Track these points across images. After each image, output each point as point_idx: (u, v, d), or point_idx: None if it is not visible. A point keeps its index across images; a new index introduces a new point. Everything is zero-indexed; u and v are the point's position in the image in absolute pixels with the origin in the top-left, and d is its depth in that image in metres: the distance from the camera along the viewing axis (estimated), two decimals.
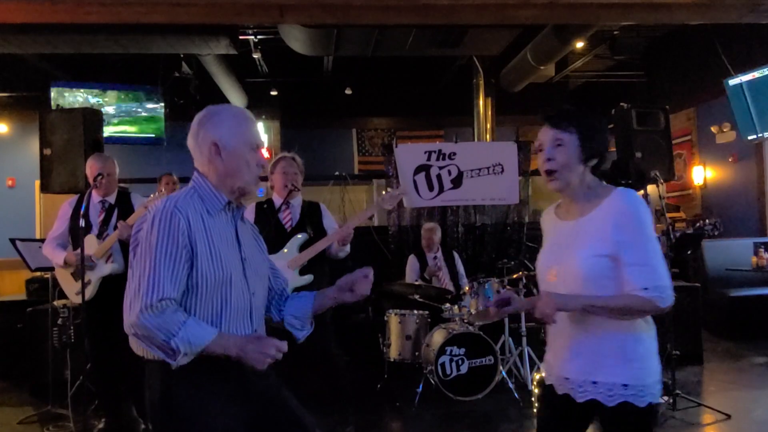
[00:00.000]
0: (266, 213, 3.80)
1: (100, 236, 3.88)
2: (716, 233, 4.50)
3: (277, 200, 3.80)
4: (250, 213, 3.91)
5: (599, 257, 1.77)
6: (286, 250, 3.69)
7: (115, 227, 3.89)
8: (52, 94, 7.96)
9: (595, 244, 1.78)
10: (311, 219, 3.82)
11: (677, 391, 4.17)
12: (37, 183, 4.66)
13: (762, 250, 6.47)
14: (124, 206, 4.00)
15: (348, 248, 3.70)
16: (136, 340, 1.74)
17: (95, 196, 3.96)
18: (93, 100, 8.20)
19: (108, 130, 7.18)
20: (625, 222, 1.76)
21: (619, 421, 1.78)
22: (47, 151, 4.46)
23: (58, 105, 7.72)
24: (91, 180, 3.86)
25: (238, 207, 1.86)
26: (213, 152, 1.79)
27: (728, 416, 4.01)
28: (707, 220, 4.56)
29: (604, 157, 1.89)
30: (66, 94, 8.07)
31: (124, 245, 3.86)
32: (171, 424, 1.70)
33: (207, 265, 1.70)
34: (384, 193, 3.62)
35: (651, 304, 1.72)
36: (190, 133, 1.84)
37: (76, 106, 7.70)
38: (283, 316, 1.99)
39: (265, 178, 4.00)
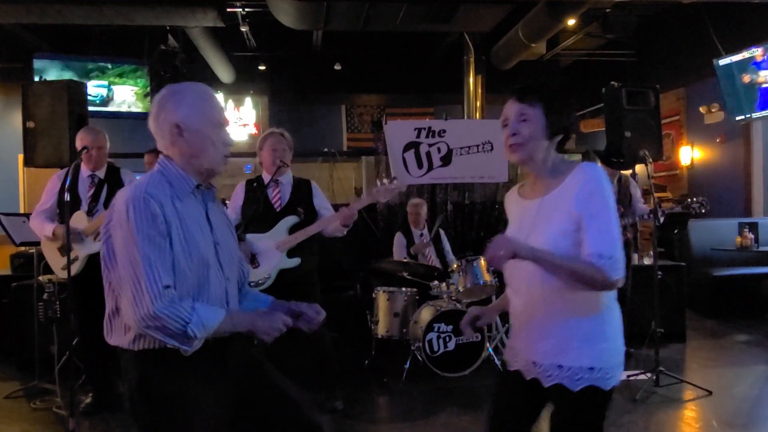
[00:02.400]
0: (255, 191, 3.77)
1: (90, 212, 3.84)
2: (703, 211, 4.53)
3: (267, 177, 3.76)
4: (239, 191, 3.88)
5: (565, 233, 1.73)
6: (274, 231, 3.67)
7: (106, 203, 3.85)
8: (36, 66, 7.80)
9: (560, 220, 1.75)
10: (302, 198, 3.79)
11: (660, 368, 4.24)
12: (21, 157, 4.59)
13: (746, 230, 6.54)
14: (113, 182, 3.95)
15: (345, 230, 3.68)
16: (117, 330, 1.71)
17: (84, 170, 3.91)
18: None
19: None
20: (587, 195, 1.72)
21: (582, 405, 1.75)
22: (30, 124, 4.37)
23: (41, 77, 7.57)
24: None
25: (207, 188, 1.81)
26: (175, 134, 1.74)
27: (710, 392, 4.09)
28: (694, 198, 4.59)
29: (569, 134, 1.85)
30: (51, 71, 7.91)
31: None
32: (149, 409, 1.68)
33: (182, 252, 1.65)
34: (379, 184, 3.60)
35: (601, 273, 1.67)
36: (151, 115, 1.78)
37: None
38: None
39: (253, 155, 3.97)
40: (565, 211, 1.74)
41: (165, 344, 1.63)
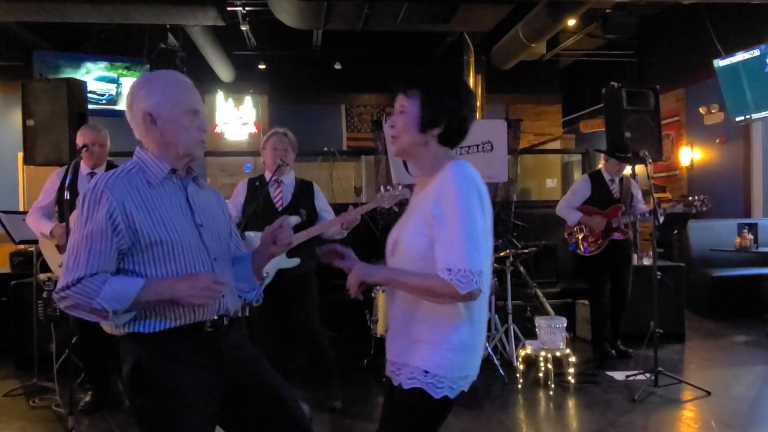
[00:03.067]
0: (257, 189, 3.78)
1: None
2: (704, 209, 4.53)
3: (268, 177, 3.76)
4: (241, 189, 3.89)
5: (420, 235, 1.66)
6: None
7: None
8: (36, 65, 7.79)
9: (418, 221, 1.68)
10: (303, 199, 3.80)
11: (659, 368, 4.24)
12: (20, 155, 4.58)
13: (746, 231, 6.55)
14: None
15: (346, 232, 3.70)
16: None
17: (84, 168, 3.90)
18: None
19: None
20: (442, 197, 1.62)
21: (406, 404, 1.70)
22: (30, 122, 4.37)
23: (41, 74, 7.56)
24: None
25: (188, 172, 1.85)
26: (148, 122, 1.76)
27: (708, 393, 4.10)
28: (696, 196, 4.59)
29: (454, 128, 1.71)
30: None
31: None
32: (141, 393, 1.69)
33: (151, 232, 1.68)
34: (383, 190, 3.62)
35: (450, 287, 1.56)
36: (126, 104, 1.82)
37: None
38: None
39: (253, 153, 3.97)
40: (424, 211, 1.66)
41: (161, 329, 1.68)
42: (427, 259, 1.63)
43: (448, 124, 1.71)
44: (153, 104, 1.75)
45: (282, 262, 3.64)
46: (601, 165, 5.12)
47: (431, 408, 1.68)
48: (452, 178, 1.63)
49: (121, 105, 8.39)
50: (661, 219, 4.53)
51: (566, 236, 5.12)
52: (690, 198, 4.64)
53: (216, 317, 1.78)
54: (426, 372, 1.66)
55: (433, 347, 1.67)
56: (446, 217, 1.60)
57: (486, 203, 1.67)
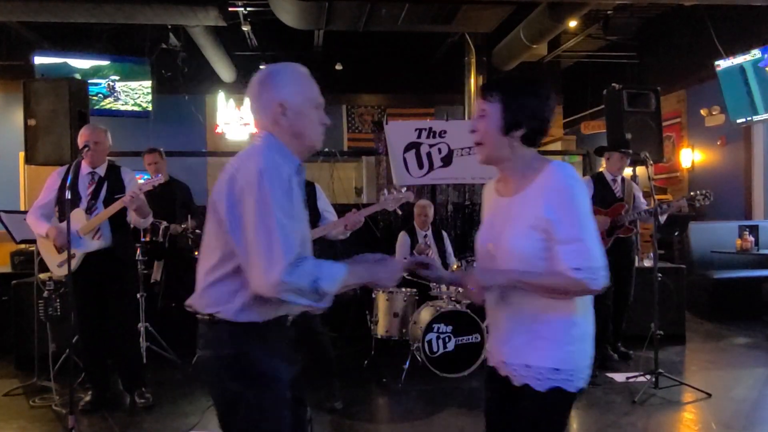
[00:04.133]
0: None
1: (89, 210, 3.83)
2: (707, 202, 4.53)
3: None
4: None
5: (532, 237, 1.68)
6: None
7: (105, 201, 3.84)
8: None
9: (527, 222, 1.69)
10: (306, 200, 3.80)
11: (660, 370, 4.24)
12: (22, 154, 4.59)
13: (746, 233, 6.54)
14: (113, 180, 3.94)
15: (348, 233, 3.70)
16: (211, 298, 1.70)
17: (84, 167, 3.90)
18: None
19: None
20: (557, 198, 1.66)
21: (545, 405, 1.72)
22: (32, 122, 4.38)
23: (42, 75, 7.57)
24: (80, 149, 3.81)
25: (301, 168, 1.84)
26: (279, 113, 1.74)
27: (709, 395, 4.09)
28: (698, 191, 4.58)
29: (536, 129, 1.75)
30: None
31: (112, 220, 3.82)
32: (241, 382, 1.69)
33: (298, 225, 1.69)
34: (387, 193, 3.63)
35: (581, 285, 1.63)
36: (251, 95, 1.79)
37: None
38: None
39: None
40: (533, 214, 1.68)
41: (267, 319, 1.69)
42: (540, 260, 1.69)
43: (530, 125, 1.74)
44: (285, 95, 1.74)
45: None
46: (603, 168, 5.12)
47: (569, 401, 1.74)
48: (564, 181, 1.68)
49: (121, 106, 8.41)
50: (663, 218, 4.52)
51: None
52: (692, 193, 4.64)
53: (298, 313, 1.82)
54: (557, 369, 1.70)
55: (556, 344, 1.71)
56: (567, 219, 1.65)
57: (589, 201, 1.73)
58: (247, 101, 1.84)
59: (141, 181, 3.97)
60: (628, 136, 4.90)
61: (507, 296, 1.76)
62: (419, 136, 5.89)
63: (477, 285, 1.69)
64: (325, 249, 3.89)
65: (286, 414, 1.74)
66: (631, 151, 4.83)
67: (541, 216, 1.67)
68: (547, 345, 1.71)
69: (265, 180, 1.59)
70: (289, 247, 1.57)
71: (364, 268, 1.73)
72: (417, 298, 4.86)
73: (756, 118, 7.01)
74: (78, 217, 3.77)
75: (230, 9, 7.24)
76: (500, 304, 1.80)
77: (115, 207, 3.74)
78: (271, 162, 1.63)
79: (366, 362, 4.87)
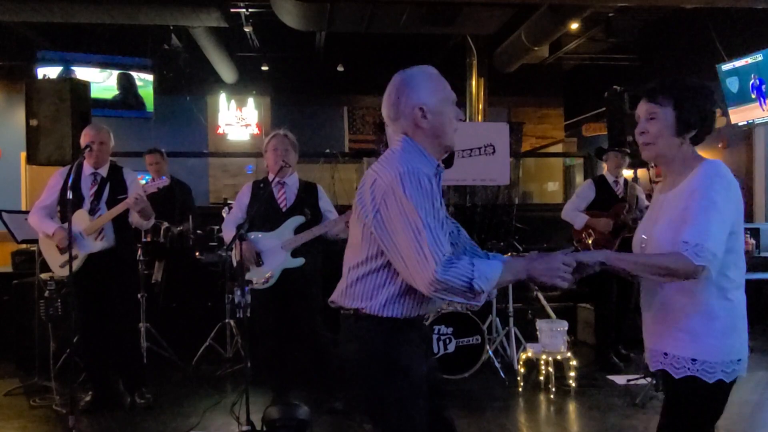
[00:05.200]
0: (261, 191, 3.79)
1: (92, 211, 3.83)
2: None
3: (272, 178, 3.78)
4: (246, 190, 3.91)
5: (673, 229, 1.76)
6: (280, 230, 3.69)
7: (108, 203, 3.85)
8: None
9: (671, 218, 1.79)
10: (308, 199, 3.82)
11: None
12: (23, 154, 4.60)
13: (748, 235, 6.52)
14: (115, 181, 3.95)
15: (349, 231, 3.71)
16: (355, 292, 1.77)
17: (87, 168, 3.90)
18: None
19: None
20: (697, 189, 1.75)
21: (684, 393, 1.81)
22: (33, 122, 4.39)
23: (45, 75, 7.58)
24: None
25: (440, 169, 1.87)
26: (419, 116, 1.79)
27: None
28: None
29: (704, 129, 1.86)
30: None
31: (115, 221, 3.83)
32: (386, 372, 1.76)
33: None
34: None
35: (682, 259, 1.68)
36: (388, 103, 1.83)
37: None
38: None
39: (255, 155, 3.97)
40: (678, 207, 1.78)
41: (410, 315, 1.76)
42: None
43: (701, 127, 1.84)
44: (425, 98, 1.79)
45: (287, 262, 3.65)
46: (604, 170, 5.12)
47: (709, 391, 1.78)
48: (707, 173, 1.77)
49: (123, 107, 8.41)
50: None
51: (575, 244, 5.06)
52: None
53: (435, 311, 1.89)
54: (693, 360, 1.78)
55: (695, 336, 1.78)
56: (696, 205, 1.73)
57: (735, 200, 1.78)
58: (384, 110, 1.85)
59: (143, 183, 3.98)
60: (630, 138, 4.89)
61: (653, 287, 1.86)
62: None
63: (567, 263, 1.69)
64: (324, 248, 3.90)
65: (422, 403, 1.79)
66: (627, 150, 4.82)
67: (682, 207, 1.76)
68: (685, 336, 1.79)
69: (406, 183, 1.65)
70: (438, 246, 1.62)
71: (520, 263, 1.73)
72: None
73: (758, 121, 7.01)
74: (81, 218, 3.78)
75: (232, 10, 7.26)
76: (648, 294, 1.89)
77: (119, 208, 3.74)
78: (410, 165, 1.69)
79: None
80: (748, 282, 6.87)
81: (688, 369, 1.78)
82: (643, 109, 1.87)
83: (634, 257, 1.80)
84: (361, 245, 1.77)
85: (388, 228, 1.67)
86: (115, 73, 8.33)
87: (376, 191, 1.70)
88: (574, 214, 4.98)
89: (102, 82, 8.21)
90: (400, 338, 1.77)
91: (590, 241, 4.94)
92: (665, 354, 1.83)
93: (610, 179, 4.96)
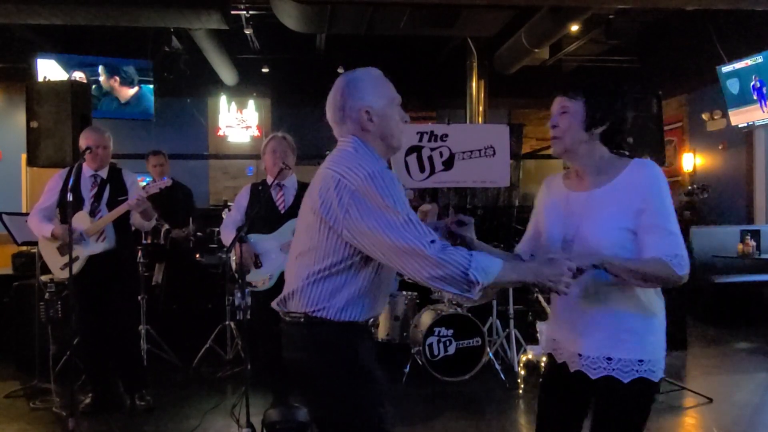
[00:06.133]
0: (260, 194, 3.79)
1: (92, 213, 3.84)
2: (705, 195, 4.53)
3: (270, 181, 3.78)
4: (244, 193, 3.90)
5: (621, 229, 1.75)
6: (279, 232, 3.68)
7: (108, 204, 3.85)
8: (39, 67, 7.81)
9: (616, 216, 1.76)
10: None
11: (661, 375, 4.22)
12: (24, 156, 4.60)
13: (748, 237, 6.53)
14: (115, 182, 3.95)
15: None
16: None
17: (87, 170, 3.91)
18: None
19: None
20: (649, 192, 1.74)
21: (631, 397, 1.78)
22: (34, 124, 4.39)
23: (45, 77, 7.58)
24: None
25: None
26: (366, 119, 1.78)
27: (710, 400, 4.08)
28: (695, 185, 4.59)
29: (618, 128, 1.85)
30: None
31: (116, 222, 3.83)
32: (360, 382, 1.74)
33: None
34: None
35: (671, 270, 1.69)
36: (333, 106, 1.82)
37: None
38: None
39: (256, 157, 3.97)
40: (624, 207, 1.76)
41: (366, 318, 1.75)
42: (623, 250, 1.74)
43: (611, 123, 1.82)
44: (369, 100, 1.79)
45: (286, 264, 3.64)
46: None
47: (653, 391, 1.80)
48: (654, 175, 1.77)
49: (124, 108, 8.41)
50: None
51: None
52: (689, 188, 4.64)
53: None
54: (640, 361, 1.76)
55: (638, 336, 1.77)
56: (659, 212, 1.73)
57: None
58: (329, 113, 1.83)
59: (143, 184, 3.98)
60: (630, 139, 4.88)
61: (592, 289, 1.81)
62: (421, 140, 5.89)
63: (570, 266, 1.67)
64: None
65: (385, 410, 1.77)
66: (627, 153, 4.81)
67: (632, 208, 1.74)
68: (630, 338, 1.77)
69: (378, 182, 1.65)
70: (428, 233, 1.61)
71: (527, 266, 1.72)
72: (418, 301, 4.86)
73: (758, 122, 7.01)
74: (82, 219, 3.78)
75: (233, 12, 7.26)
76: (584, 298, 1.83)
77: (120, 210, 3.74)
78: (376, 164, 1.70)
79: None
80: (748, 283, 6.85)
81: (636, 371, 1.75)
82: (556, 104, 1.87)
83: (626, 262, 1.72)
84: (319, 247, 1.72)
85: (369, 227, 1.63)
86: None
87: (343, 192, 1.66)
88: None
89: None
90: (360, 342, 1.76)
91: None
92: (609, 359, 1.77)
93: None
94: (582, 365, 1.82)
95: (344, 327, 1.72)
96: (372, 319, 1.84)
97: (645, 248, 1.73)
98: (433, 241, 1.60)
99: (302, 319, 1.74)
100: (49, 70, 7.90)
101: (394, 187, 1.66)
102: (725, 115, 7.61)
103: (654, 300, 1.81)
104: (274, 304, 1.83)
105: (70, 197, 3.40)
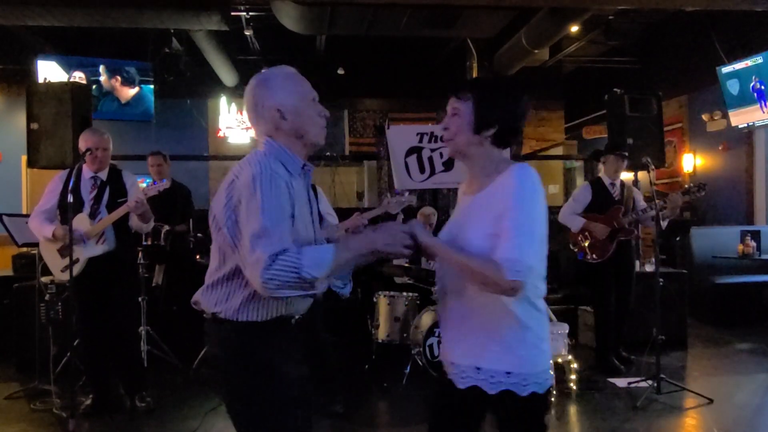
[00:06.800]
0: None
1: (92, 215, 3.83)
2: (702, 194, 4.53)
3: None
4: None
5: (486, 236, 1.66)
6: None
7: (108, 206, 3.85)
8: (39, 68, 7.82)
9: (483, 222, 1.69)
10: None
11: (661, 375, 4.23)
12: (24, 158, 4.60)
13: (748, 238, 6.53)
14: (115, 184, 3.95)
15: None
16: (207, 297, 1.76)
17: (86, 172, 3.90)
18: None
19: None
20: (511, 196, 1.65)
21: (501, 408, 1.72)
22: (34, 126, 4.40)
23: (46, 79, 7.59)
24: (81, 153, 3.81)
25: (308, 168, 1.85)
26: (277, 118, 1.77)
27: (710, 401, 4.08)
28: (692, 184, 4.59)
29: (508, 130, 1.76)
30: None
31: (115, 224, 3.83)
32: (251, 377, 1.73)
33: (299, 228, 1.71)
34: (390, 196, 3.66)
35: (499, 273, 1.57)
36: (247, 106, 1.82)
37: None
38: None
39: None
40: (491, 212, 1.68)
41: (267, 318, 1.72)
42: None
43: (501, 125, 1.75)
44: (280, 99, 1.77)
45: None
46: (601, 172, 5.12)
47: (525, 404, 1.69)
48: (518, 179, 1.68)
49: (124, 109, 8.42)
50: (665, 224, 4.52)
51: (572, 247, 5.06)
52: (686, 186, 4.64)
53: (303, 312, 1.84)
54: (508, 373, 1.68)
55: (509, 349, 1.69)
56: (513, 216, 1.63)
57: (544, 206, 1.70)
58: (246, 114, 1.85)
59: (144, 186, 3.98)
60: (630, 140, 4.90)
61: (462, 299, 1.74)
62: (421, 141, 5.91)
63: (412, 232, 1.64)
64: None
65: (295, 412, 1.76)
66: (626, 153, 4.82)
67: (495, 214, 1.66)
68: (499, 349, 1.69)
69: (257, 184, 1.62)
70: (270, 247, 1.57)
71: (359, 239, 1.67)
72: (418, 302, 4.86)
73: (758, 123, 7.02)
74: (82, 221, 3.78)
75: (233, 14, 7.26)
76: (451, 307, 1.78)
77: (119, 212, 3.75)
78: (265, 168, 1.66)
79: (367, 366, 4.87)
80: (748, 284, 6.86)
81: (502, 383, 1.68)
82: (449, 105, 1.81)
83: (455, 253, 1.65)
84: (216, 247, 1.75)
85: (238, 229, 1.65)
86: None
87: (233, 192, 1.67)
88: (571, 217, 4.98)
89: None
90: (261, 342, 1.73)
91: (586, 244, 4.94)
92: (478, 368, 1.71)
93: (607, 182, 4.96)
94: (453, 374, 1.77)
95: (243, 327, 1.72)
96: (296, 317, 1.81)
97: (493, 251, 1.63)
98: (282, 251, 1.56)
99: (211, 317, 1.77)
100: (49, 71, 7.91)
101: (274, 192, 1.63)
102: (725, 116, 7.62)
103: (529, 312, 1.71)
104: (194, 299, 1.83)
105: (70, 199, 3.41)
